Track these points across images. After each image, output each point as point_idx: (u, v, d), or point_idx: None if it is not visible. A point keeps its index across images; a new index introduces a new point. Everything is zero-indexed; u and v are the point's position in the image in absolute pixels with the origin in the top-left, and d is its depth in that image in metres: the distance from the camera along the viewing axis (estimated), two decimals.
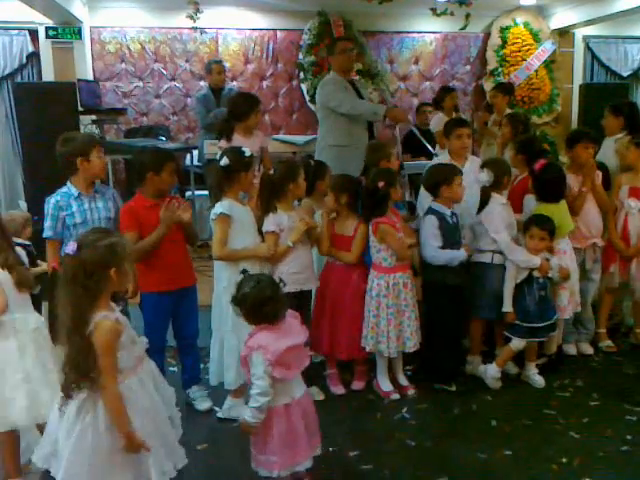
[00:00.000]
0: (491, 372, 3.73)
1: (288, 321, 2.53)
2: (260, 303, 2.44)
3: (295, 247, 3.41)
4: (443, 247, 3.62)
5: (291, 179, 3.41)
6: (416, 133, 5.09)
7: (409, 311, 3.54)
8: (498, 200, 3.76)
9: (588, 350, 4.22)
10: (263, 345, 2.39)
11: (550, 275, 3.66)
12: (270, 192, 3.43)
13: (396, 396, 3.62)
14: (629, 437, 3.17)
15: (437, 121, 6.00)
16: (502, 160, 4.09)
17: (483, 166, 3.83)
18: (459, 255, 3.61)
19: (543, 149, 4.94)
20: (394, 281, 3.53)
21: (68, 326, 2.11)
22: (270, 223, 3.39)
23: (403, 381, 3.72)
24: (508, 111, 6.02)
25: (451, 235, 3.65)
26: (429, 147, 4.99)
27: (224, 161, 3.29)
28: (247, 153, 3.32)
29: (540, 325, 3.66)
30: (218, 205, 3.27)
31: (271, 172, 3.49)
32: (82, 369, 2.09)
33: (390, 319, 3.52)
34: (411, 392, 3.67)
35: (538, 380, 3.76)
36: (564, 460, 2.98)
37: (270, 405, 2.43)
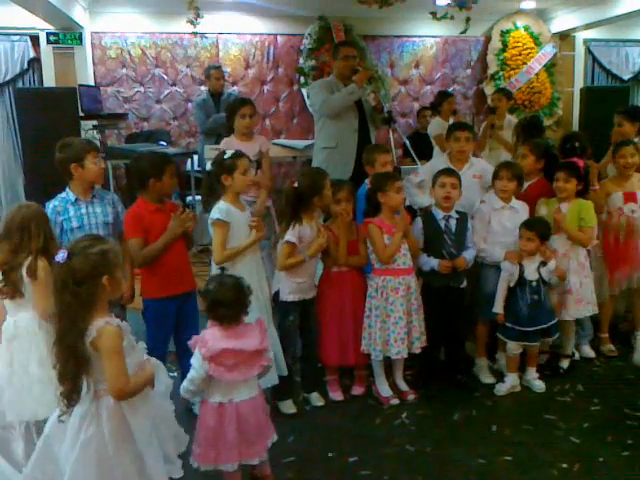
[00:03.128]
0: (510, 381, 3.73)
1: (248, 327, 2.63)
2: (217, 303, 2.57)
3: (309, 259, 3.42)
4: (425, 249, 3.66)
5: (316, 192, 3.40)
6: (406, 143, 5.17)
7: (396, 317, 3.48)
8: (490, 203, 3.82)
9: (590, 353, 4.19)
10: (204, 340, 2.53)
11: (545, 277, 3.64)
12: (296, 205, 3.39)
13: (396, 401, 3.59)
14: (630, 442, 3.15)
15: (434, 125, 5.99)
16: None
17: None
18: (431, 263, 3.62)
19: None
20: (383, 283, 3.51)
21: (55, 336, 2.10)
22: (293, 234, 3.36)
23: (403, 386, 3.70)
24: (508, 116, 6.04)
25: (435, 239, 3.66)
26: (414, 157, 5.06)
27: (209, 167, 3.32)
28: (227, 155, 3.31)
29: (531, 329, 3.63)
30: (215, 209, 3.27)
31: (295, 185, 3.43)
32: (67, 378, 2.08)
33: (376, 321, 3.52)
34: (411, 397, 3.64)
35: (538, 385, 3.74)
36: (564, 465, 2.97)
37: (205, 398, 2.59)
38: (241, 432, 2.55)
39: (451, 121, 5.84)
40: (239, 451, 2.56)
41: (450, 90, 8.10)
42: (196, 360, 2.54)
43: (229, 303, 2.56)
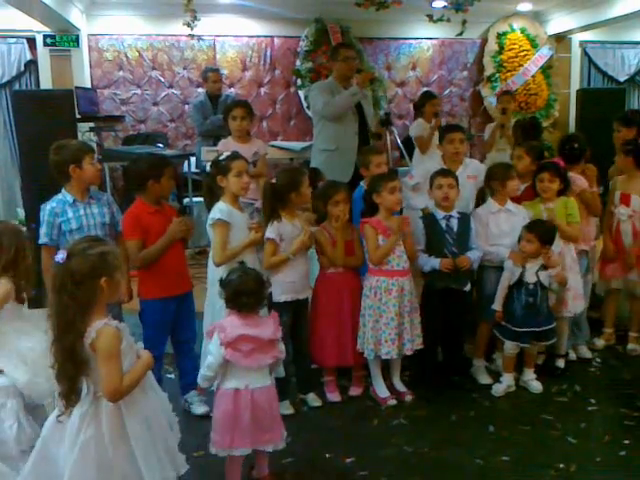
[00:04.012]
0: (506, 381, 3.74)
1: (263, 318, 2.75)
2: (239, 292, 2.68)
3: (293, 257, 3.41)
4: (427, 250, 3.67)
5: (293, 188, 3.40)
6: (398, 144, 5.18)
7: (388, 318, 3.48)
8: (487, 206, 3.83)
9: (587, 354, 4.21)
10: (223, 326, 2.65)
11: (543, 282, 3.63)
12: (272, 201, 3.42)
13: (393, 402, 3.60)
14: (627, 442, 3.16)
15: (416, 127, 5.93)
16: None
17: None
18: (432, 263, 3.62)
19: None
20: (377, 284, 3.51)
21: (52, 336, 2.09)
22: (271, 231, 3.38)
23: (400, 387, 3.70)
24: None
25: (437, 239, 3.66)
26: (407, 158, 5.06)
27: (208, 169, 3.34)
28: (222, 156, 3.34)
29: (523, 330, 3.61)
30: (216, 209, 3.27)
31: (273, 180, 3.47)
32: (65, 378, 2.08)
33: (369, 320, 3.52)
34: (408, 398, 3.65)
35: (536, 385, 3.75)
36: (562, 466, 2.97)
37: (220, 386, 2.68)
38: (255, 419, 2.62)
39: (433, 123, 5.76)
40: (252, 437, 2.63)
41: (446, 92, 8.14)
42: (214, 346, 2.64)
43: (250, 292, 2.68)
